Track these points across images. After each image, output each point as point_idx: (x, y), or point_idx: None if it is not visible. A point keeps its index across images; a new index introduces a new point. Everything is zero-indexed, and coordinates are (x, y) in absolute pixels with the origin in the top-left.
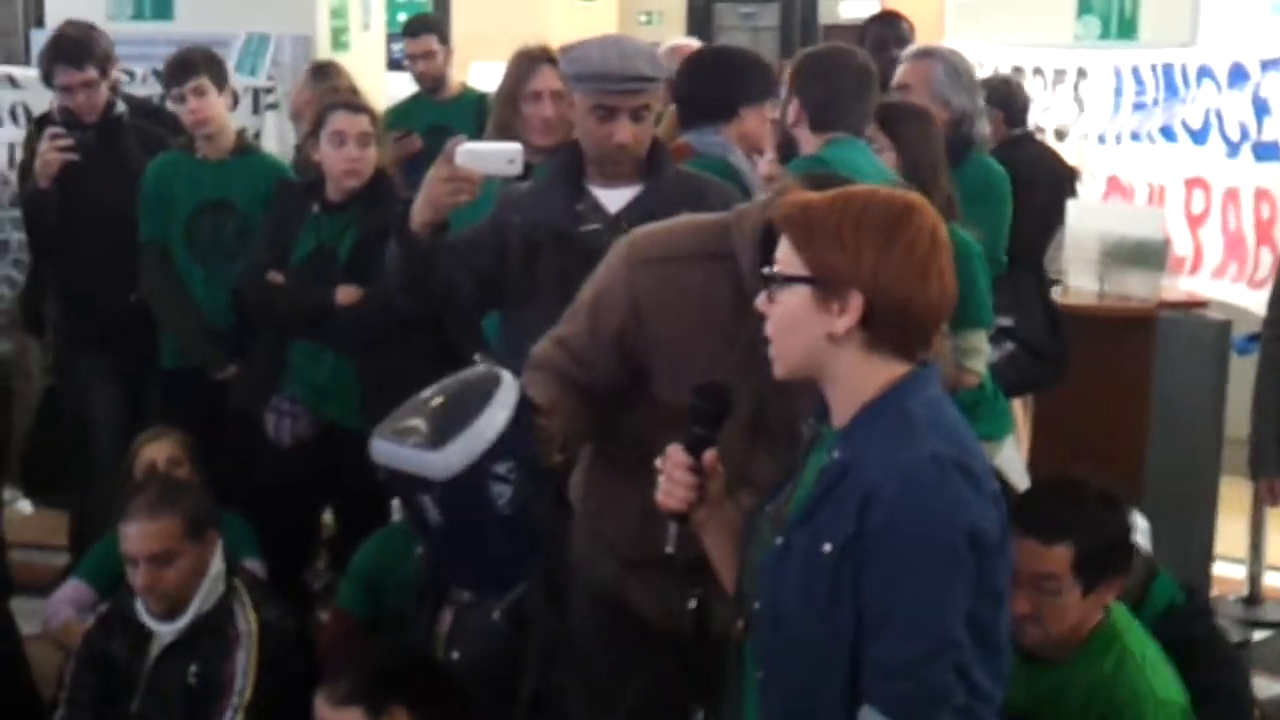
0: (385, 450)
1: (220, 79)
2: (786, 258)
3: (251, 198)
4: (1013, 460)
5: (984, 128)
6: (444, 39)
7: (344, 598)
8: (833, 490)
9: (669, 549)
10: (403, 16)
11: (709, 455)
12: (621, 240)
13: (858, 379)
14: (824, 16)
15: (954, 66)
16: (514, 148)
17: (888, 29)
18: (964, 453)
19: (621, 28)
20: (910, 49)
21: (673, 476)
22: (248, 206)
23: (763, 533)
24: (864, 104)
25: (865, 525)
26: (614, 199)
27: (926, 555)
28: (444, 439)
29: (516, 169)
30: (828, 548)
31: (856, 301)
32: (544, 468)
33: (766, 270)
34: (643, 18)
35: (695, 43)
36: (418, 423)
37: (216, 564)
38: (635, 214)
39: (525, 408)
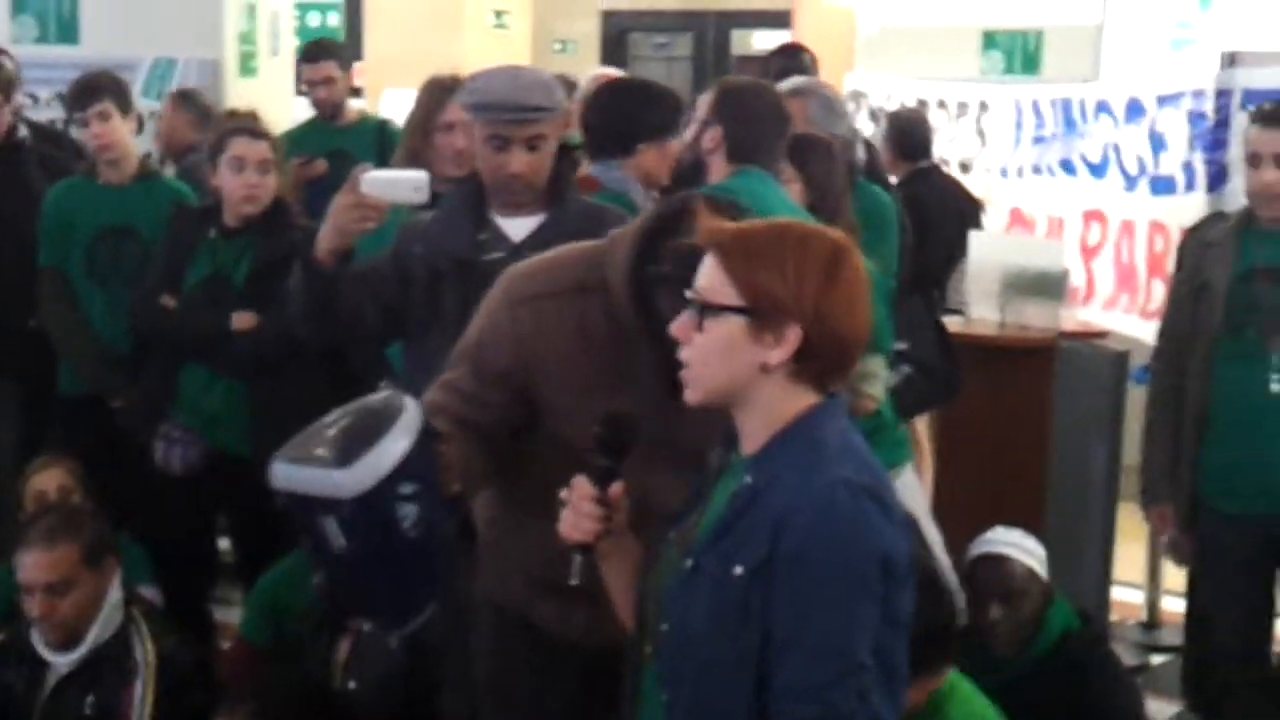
0: (288, 473)
1: (124, 104)
2: (717, 285)
3: (154, 223)
4: (911, 487)
5: (860, 152)
6: (344, 65)
7: (245, 626)
8: (744, 514)
9: (574, 581)
10: None
11: (615, 487)
12: (500, 279)
13: (775, 408)
14: (737, 47)
15: (826, 98)
16: (420, 176)
17: (791, 61)
18: (876, 481)
19: (535, 56)
20: (780, 87)
21: (579, 508)
22: (150, 232)
23: (668, 558)
24: (782, 143)
25: (778, 549)
26: (517, 228)
27: (838, 580)
28: (350, 458)
29: (422, 197)
30: (739, 570)
31: (794, 334)
32: (447, 495)
33: (693, 295)
34: (557, 46)
35: (617, 72)
36: (321, 445)
37: (114, 593)
38: (538, 243)
39: (428, 433)
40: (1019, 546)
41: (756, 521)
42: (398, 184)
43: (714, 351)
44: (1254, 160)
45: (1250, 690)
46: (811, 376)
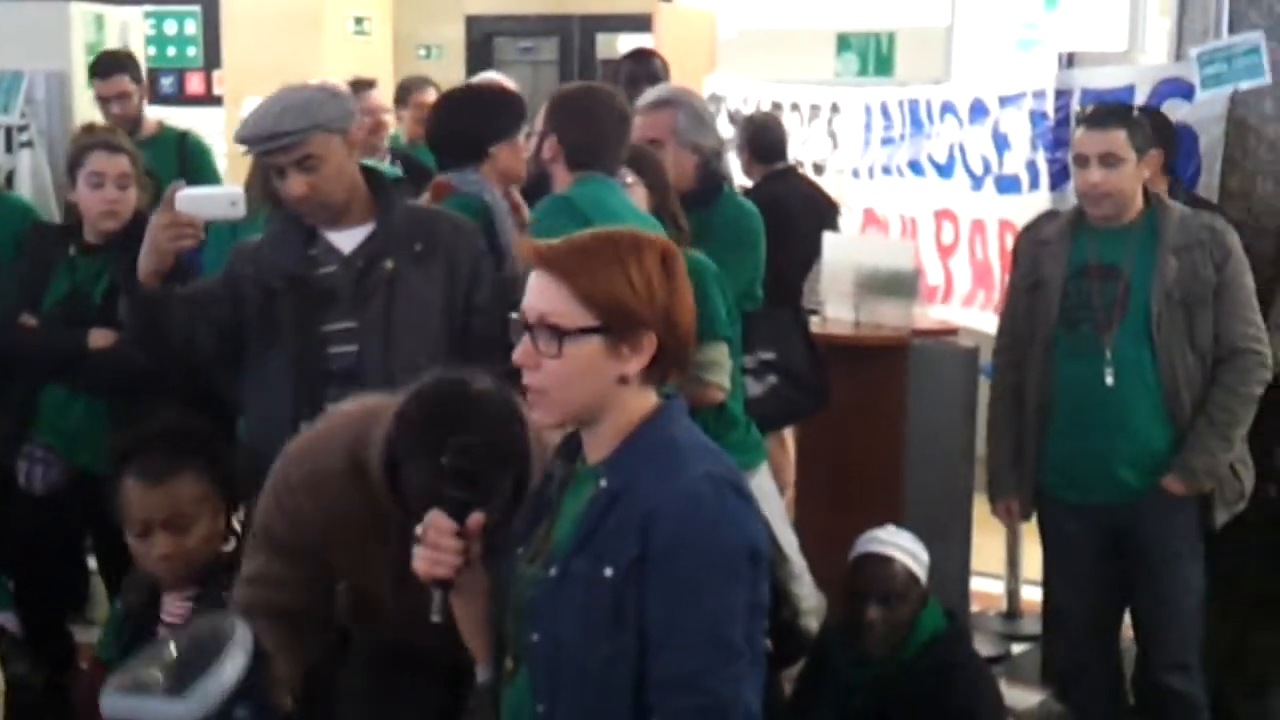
0: (121, 704)
1: None
2: (564, 308)
3: (1, 240)
4: (766, 491)
5: (728, 162)
6: (136, 78)
7: (101, 647)
8: (606, 516)
9: (435, 618)
10: (172, 51)
11: (474, 518)
12: (278, 460)
13: (624, 413)
14: (602, 51)
15: (693, 109)
16: (234, 191)
17: (641, 66)
18: (732, 472)
19: (398, 62)
20: (645, 98)
21: (439, 545)
22: None
23: (522, 573)
24: (621, 147)
25: (648, 547)
26: (346, 240)
27: (710, 571)
28: (184, 684)
29: (239, 212)
30: (609, 572)
31: (650, 341)
32: (283, 711)
33: (535, 320)
34: (421, 52)
35: (503, 77)
36: (154, 673)
37: None
38: (368, 252)
39: (260, 651)
40: (904, 549)
41: (621, 523)
42: (213, 200)
43: (574, 374)
44: (1081, 161)
45: (1097, 678)
46: (656, 377)
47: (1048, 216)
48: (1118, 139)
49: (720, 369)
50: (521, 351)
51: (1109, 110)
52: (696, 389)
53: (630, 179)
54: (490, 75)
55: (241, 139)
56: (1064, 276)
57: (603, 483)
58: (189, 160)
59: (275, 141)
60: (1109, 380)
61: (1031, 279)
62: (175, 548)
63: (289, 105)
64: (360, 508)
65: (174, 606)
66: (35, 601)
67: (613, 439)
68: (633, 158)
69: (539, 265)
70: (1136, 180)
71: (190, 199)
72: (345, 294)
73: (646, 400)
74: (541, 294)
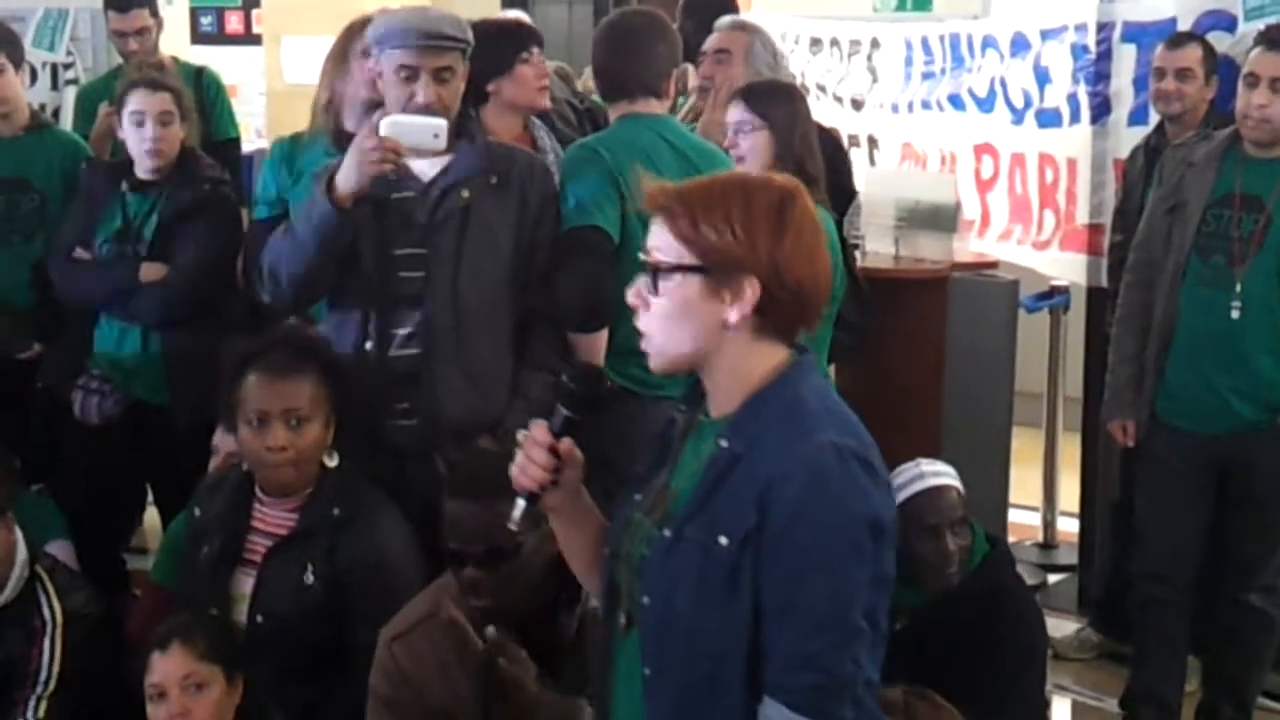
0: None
1: (16, 56)
2: (669, 246)
3: (48, 175)
4: None
5: None
6: (154, 11)
7: (156, 570)
8: (724, 481)
9: (513, 526)
10: None
11: (565, 443)
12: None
13: (743, 366)
14: None
15: (769, 39)
16: (439, 123)
17: None
18: (861, 443)
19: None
20: (726, 19)
21: (531, 455)
22: (45, 184)
23: (638, 524)
24: (641, 61)
25: (767, 518)
26: (426, 167)
27: (832, 548)
28: None
29: (440, 144)
30: (724, 541)
31: (752, 287)
32: None
33: (644, 258)
34: None
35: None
36: None
37: (21, 551)
38: (445, 181)
39: None
40: (951, 474)
41: (739, 489)
42: (416, 129)
43: (673, 315)
44: (1250, 81)
45: (1169, 612)
46: (775, 330)
47: (1201, 139)
48: None
49: None
50: (631, 292)
51: None
52: None
53: (750, 124)
54: (514, 15)
55: (390, 34)
56: (1206, 203)
57: (723, 443)
58: (205, 95)
59: (432, 41)
60: (1234, 314)
61: (1172, 200)
62: (289, 441)
63: (443, 16)
64: (447, 654)
65: (272, 516)
66: (90, 531)
67: (734, 393)
68: (757, 99)
69: (649, 207)
70: None
71: (395, 125)
72: (419, 220)
73: (772, 355)
74: (652, 235)
